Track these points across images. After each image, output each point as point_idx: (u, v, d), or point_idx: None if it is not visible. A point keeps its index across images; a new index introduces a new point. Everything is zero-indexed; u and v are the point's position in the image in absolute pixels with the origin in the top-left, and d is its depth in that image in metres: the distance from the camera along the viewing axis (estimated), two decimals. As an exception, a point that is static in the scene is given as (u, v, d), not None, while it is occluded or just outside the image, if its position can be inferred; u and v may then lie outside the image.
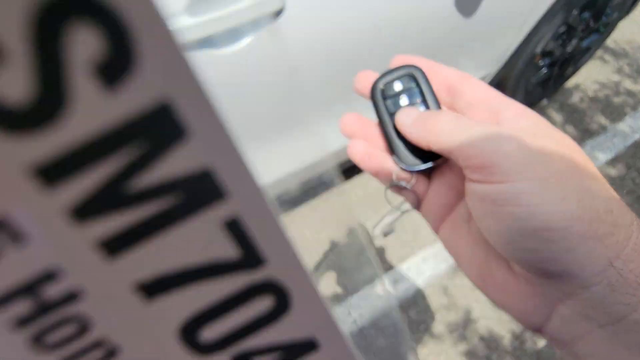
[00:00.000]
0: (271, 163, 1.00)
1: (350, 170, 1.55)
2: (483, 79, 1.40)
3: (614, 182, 1.57)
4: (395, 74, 0.27)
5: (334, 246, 1.46)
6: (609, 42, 2.08)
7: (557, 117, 1.81)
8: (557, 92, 1.87)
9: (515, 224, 0.19)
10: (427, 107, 0.26)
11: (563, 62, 1.64)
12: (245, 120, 0.86)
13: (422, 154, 0.26)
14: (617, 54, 2.04)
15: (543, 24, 1.25)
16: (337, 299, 1.34)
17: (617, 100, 1.85)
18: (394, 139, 0.26)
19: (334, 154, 1.09)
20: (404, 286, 1.37)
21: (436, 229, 0.27)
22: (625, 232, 0.19)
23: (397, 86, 0.26)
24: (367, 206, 1.54)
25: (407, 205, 0.29)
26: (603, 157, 1.65)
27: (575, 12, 1.36)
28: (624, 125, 1.75)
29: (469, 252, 0.24)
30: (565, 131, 1.77)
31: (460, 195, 0.25)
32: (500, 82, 1.53)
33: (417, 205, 0.28)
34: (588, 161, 0.20)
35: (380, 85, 0.27)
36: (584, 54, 1.69)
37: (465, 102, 0.24)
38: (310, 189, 1.44)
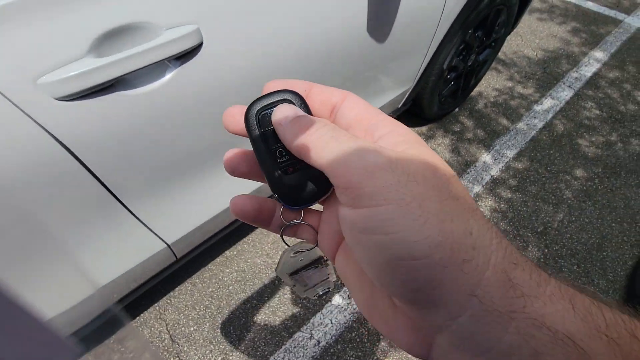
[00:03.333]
0: (205, 200, 0.93)
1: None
2: (404, 94, 1.48)
3: (521, 174, 1.74)
4: (270, 100, 0.23)
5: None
6: (501, 54, 2.34)
7: (468, 122, 1.98)
8: (465, 101, 2.05)
9: (382, 254, 0.18)
10: None
11: (466, 74, 1.80)
12: (164, 160, 0.79)
13: (309, 187, 0.23)
14: (507, 64, 2.30)
15: (446, 43, 1.36)
16: (298, 323, 1.28)
17: (513, 103, 2.07)
18: (276, 175, 0.23)
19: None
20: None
21: (332, 258, 0.25)
22: (484, 254, 0.18)
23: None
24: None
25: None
26: (510, 153, 1.83)
27: (470, 31, 1.50)
28: (522, 124, 1.96)
29: (357, 281, 0.23)
30: (476, 134, 1.95)
31: None
32: (417, 96, 1.62)
33: (316, 238, 0.25)
34: (452, 178, 0.19)
35: (254, 115, 0.23)
36: (482, 66, 1.87)
37: (345, 121, 0.23)
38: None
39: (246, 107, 0.23)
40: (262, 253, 1.45)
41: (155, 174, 0.79)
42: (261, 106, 0.23)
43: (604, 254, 1.49)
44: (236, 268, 1.42)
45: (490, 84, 2.17)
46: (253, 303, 1.34)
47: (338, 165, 0.19)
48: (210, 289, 1.36)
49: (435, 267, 0.17)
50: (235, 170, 0.25)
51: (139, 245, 0.86)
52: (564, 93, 2.12)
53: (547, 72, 2.25)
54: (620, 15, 2.69)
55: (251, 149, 0.24)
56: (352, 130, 0.22)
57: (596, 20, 2.65)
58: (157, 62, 0.63)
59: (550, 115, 2.00)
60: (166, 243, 0.91)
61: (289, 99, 0.23)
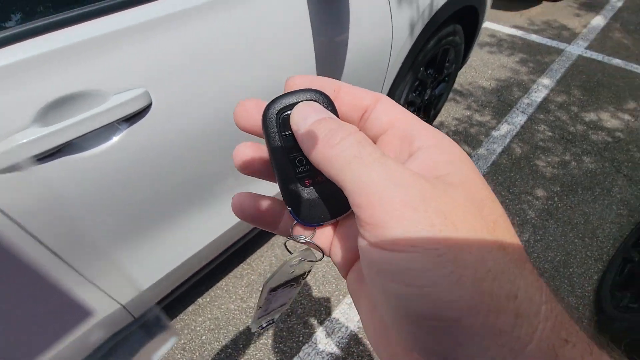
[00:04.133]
0: (157, 259, 0.92)
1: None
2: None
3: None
4: (292, 100, 0.20)
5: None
6: (457, 86, 2.49)
7: (434, 150, 2.06)
8: (429, 130, 2.14)
9: (402, 305, 0.15)
10: None
11: (425, 107, 1.90)
12: (115, 220, 0.79)
13: (328, 203, 0.20)
14: (464, 95, 2.44)
15: (399, 82, 1.44)
16: (273, 369, 1.23)
17: (473, 130, 2.17)
18: (292, 186, 0.20)
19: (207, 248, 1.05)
20: (338, 336, 1.33)
21: (344, 274, 0.22)
22: (529, 324, 0.14)
23: None
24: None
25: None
26: (474, 178, 1.89)
27: (421, 70, 1.60)
28: (482, 150, 2.05)
29: (370, 307, 0.20)
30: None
31: None
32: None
33: (326, 250, 0.22)
34: (500, 220, 0.16)
35: (274, 113, 0.20)
36: (440, 99, 1.98)
37: (378, 127, 0.20)
38: (227, 257, 1.35)
39: (265, 104, 0.20)
40: (236, 297, 1.42)
41: (107, 233, 0.78)
42: (282, 106, 0.20)
43: (571, 270, 1.53)
44: (209, 316, 1.37)
45: (450, 114, 2.28)
46: (228, 352, 1.29)
47: (359, 195, 0.16)
48: (182, 341, 1.31)
49: (464, 333, 0.14)
50: (248, 167, 0.22)
51: (90, 306, 0.83)
52: (518, 118, 2.25)
53: (501, 99, 2.39)
54: (561, 45, 2.93)
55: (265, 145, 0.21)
56: (386, 136, 0.20)
57: (540, 50, 2.88)
58: (105, 125, 0.65)
59: (507, 140, 2.11)
60: (120, 303, 0.89)
61: (315, 99, 0.20)
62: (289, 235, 0.22)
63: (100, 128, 0.65)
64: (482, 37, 3.01)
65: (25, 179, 0.61)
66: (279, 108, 0.20)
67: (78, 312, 0.85)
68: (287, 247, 0.23)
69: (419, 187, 0.15)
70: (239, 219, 0.99)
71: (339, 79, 1.14)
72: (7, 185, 0.59)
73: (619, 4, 3.53)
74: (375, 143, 0.20)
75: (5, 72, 0.56)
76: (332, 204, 0.20)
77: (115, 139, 0.68)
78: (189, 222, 0.95)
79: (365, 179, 0.16)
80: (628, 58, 2.79)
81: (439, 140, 0.18)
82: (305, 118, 0.19)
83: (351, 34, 1.05)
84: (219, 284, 1.45)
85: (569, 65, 2.71)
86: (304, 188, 0.20)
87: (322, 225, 0.21)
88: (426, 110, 1.91)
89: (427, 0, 1.26)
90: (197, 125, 0.79)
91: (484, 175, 1.88)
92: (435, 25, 1.38)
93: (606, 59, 2.78)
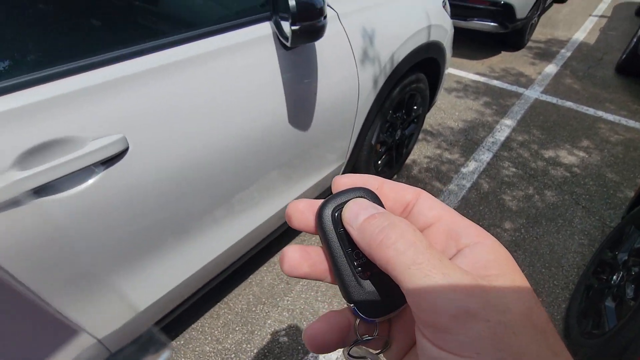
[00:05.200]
0: (134, 294, 0.92)
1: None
2: (340, 167, 1.61)
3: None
4: (345, 199, 0.21)
5: (239, 348, 1.34)
6: (427, 126, 2.65)
7: (407, 187, 2.14)
8: (401, 169, 2.25)
9: None
10: None
11: (397, 146, 2.01)
12: (90, 259, 0.80)
13: (389, 294, 0.20)
14: (434, 134, 2.59)
15: (369, 125, 1.54)
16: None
17: (443, 167, 2.29)
18: (353, 280, 0.20)
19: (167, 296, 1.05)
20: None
21: None
22: None
23: None
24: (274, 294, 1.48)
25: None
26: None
27: (390, 113, 1.72)
28: (453, 186, 2.15)
29: None
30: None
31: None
32: (354, 168, 1.77)
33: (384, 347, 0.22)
34: (548, 325, 0.17)
35: (330, 214, 0.21)
36: (410, 138, 2.10)
37: (423, 222, 0.21)
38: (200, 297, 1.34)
39: (317, 204, 0.21)
40: (212, 339, 1.38)
41: (83, 272, 0.79)
42: (335, 205, 0.21)
43: (540, 299, 1.56)
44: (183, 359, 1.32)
45: (422, 152, 2.40)
46: (201, 398, 1.23)
47: (421, 300, 0.16)
48: (154, 388, 1.25)
49: None
50: (296, 270, 0.22)
51: (67, 341, 0.82)
52: (485, 155, 2.39)
53: (468, 138, 2.55)
54: (520, 89, 3.20)
55: (316, 245, 0.22)
56: (431, 231, 0.20)
57: (502, 94, 3.12)
58: (82, 168, 0.69)
59: (475, 176, 2.22)
60: (96, 338, 0.87)
61: (363, 196, 0.21)
62: (352, 339, 0.21)
63: (77, 171, 0.69)
64: (448, 82, 3.25)
65: (4, 220, 0.63)
66: (333, 207, 0.21)
67: (55, 346, 0.83)
68: (350, 354, 0.22)
69: (478, 295, 0.16)
70: (216, 254, 1.00)
71: (309, 125, 1.22)
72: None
73: (568, 54, 3.91)
74: None
75: (-11, 122, 0.60)
76: (390, 295, 0.20)
77: (90, 181, 0.72)
78: (165, 258, 0.96)
79: (427, 286, 0.16)
80: (579, 101, 3.05)
81: (482, 237, 0.19)
82: (357, 216, 0.19)
83: (320, 85, 1.14)
84: (193, 325, 1.42)
85: (528, 107, 2.93)
86: (364, 281, 0.20)
87: (386, 318, 0.21)
88: (398, 148, 2.02)
89: (387, 55, 1.39)
90: (171, 167, 0.84)
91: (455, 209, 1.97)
92: (397, 76, 1.51)
93: (560, 101, 3.03)
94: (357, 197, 0.21)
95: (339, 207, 0.20)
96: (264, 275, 1.61)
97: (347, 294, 0.20)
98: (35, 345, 0.78)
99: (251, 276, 1.60)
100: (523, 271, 0.18)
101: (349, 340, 0.22)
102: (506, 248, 0.19)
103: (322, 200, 0.21)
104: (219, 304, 1.49)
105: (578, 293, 1.48)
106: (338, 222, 0.20)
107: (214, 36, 0.90)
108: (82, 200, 0.72)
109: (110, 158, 0.73)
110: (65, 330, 0.81)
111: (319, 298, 1.52)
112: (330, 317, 0.21)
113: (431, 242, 0.19)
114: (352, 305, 0.20)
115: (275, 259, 1.67)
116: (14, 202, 0.64)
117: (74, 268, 0.78)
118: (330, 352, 0.21)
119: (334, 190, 0.22)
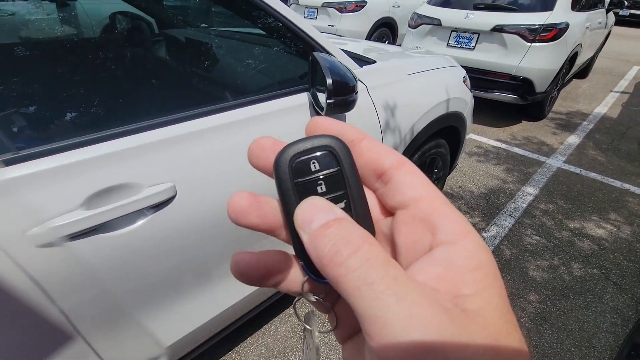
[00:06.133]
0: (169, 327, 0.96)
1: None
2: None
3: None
4: (309, 145, 0.18)
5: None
6: (447, 188, 2.69)
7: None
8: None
9: None
10: (349, 205, 0.18)
11: (417, 206, 2.05)
12: (135, 293, 0.86)
13: None
14: (454, 197, 2.61)
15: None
16: None
17: (464, 230, 2.27)
18: None
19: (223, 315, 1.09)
20: None
21: (341, 340, 0.21)
22: None
23: (314, 166, 0.18)
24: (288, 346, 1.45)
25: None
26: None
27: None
28: (473, 249, 2.12)
29: None
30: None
31: None
32: (375, 226, 1.81)
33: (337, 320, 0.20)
34: (517, 356, 0.15)
35: (287, 160, 0.18)
36: (431, 199, 2.14)
37: (398, 200, 0.18)
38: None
39: (281, 146, 0.19)
40: (221, 390, 1.34)
41: (116, 306, 0.85)
42: (297, 151, 0.18)
43: (570, 383, 1.44)
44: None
45: (442, 214, 2.41)
46: None
47: (371, 325, 0.14)
48: None
49: None
50: (242, 218, 0.19)
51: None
52: (507, 221, 2.36)
53: (489, 203, 2.55)
54: (542, 158, 3.22)
55: (270, 195, 0.19)
56: (406, 214, 0.18)
57: (523, 161, 3.15)
58: (136, 210, 0.78)
59: (497, 241, 2.19)
60: None
61: (335, 150, 0.18)
62: (297, 293, 0.20)
63: (132, 213, 0.78)
64: (469, 147, 3.34)
65: (60, 252, 0.71)
66: (293, 153, 0.18)
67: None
68: (297, 308, 0.21)
69: (437, 326, 0.14)
70: (235, 300, 1.05)
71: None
72: (42, 258, 0.69)
73: (590, 126, 3.96)
74: (392, 216, 0.19)
75: (73, 168, 0.72)
76: None
77: (140, 222, 0.81)
78: (191, 298, 1.00)
79: (377, 312, 0.14)
80: (604, 172, 3.02)
81: (464, 236, 0.16)
82: (310, 221, 0.16)
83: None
84: (205, 373, 1.40)
85: (550, 176, 2.93)
86: None
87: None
88: (418, 209, 2.05)
89: (408, 126, 1.51)
90: (211, 215, 0.92)
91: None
92: (416, 145, 1.62)
93: (584, 172, 3.02)
94: (324, 149, 0.18)
95: (302, 154, 0.18)
96: (278, 326, 1.59)
97: (295, 249, 0.19)
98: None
99: (265, 326, 1.59)
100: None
101: (285, 288, 0.20)
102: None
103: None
104: (230, 352, 1.47)
105: (612, 379, 1.36)
106: (299, 171, 0.18)
107: (256, 104, 1.04)
108: (130, 239, 0.80)
109: (160, 203, 0.82)
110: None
111: (332, 357, 1.48)
112: (263, 256, 0.20)
113: (402, 227, 0.18)
114: (301, 262, 0.19)
115: (290, 310, 1.66)
116: (75, 236, 0.73)
117: (107, 301, 0.84)
118: (251, 285, 0.20)
119: (308, 131, 0.20)
